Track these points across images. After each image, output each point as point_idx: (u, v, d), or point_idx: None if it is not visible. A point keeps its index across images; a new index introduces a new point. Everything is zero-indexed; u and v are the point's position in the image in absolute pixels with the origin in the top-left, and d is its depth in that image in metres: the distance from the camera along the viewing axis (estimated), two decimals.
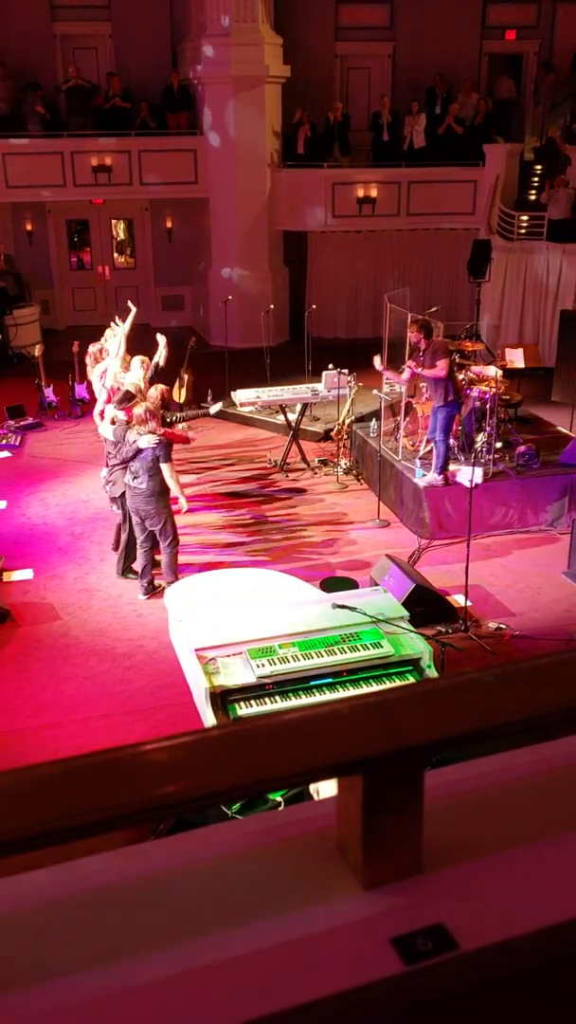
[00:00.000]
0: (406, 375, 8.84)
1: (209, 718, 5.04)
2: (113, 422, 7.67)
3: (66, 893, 0.93)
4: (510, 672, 1.03)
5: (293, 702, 5.01)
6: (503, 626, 7.30)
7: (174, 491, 7.41)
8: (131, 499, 7.42)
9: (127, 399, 7.63)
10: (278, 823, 1.04)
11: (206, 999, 0.81)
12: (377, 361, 8.92)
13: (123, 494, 7.66)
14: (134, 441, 7.22)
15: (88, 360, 9.51)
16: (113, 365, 8.58)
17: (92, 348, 9.50)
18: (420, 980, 0.84)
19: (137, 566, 7.86)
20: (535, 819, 1.01)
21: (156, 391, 7.68)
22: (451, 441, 9.38)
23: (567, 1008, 0.94)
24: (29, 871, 0.96)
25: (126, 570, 8.04)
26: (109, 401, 8.27)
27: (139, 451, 7.21)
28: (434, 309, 10.25)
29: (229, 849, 0.99)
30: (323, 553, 8.66)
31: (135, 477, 7.29)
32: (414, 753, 0.94)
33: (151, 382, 8.29)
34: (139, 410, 7.28)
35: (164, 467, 7.23)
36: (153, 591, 7.71)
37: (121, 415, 7.59)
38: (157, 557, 7.80)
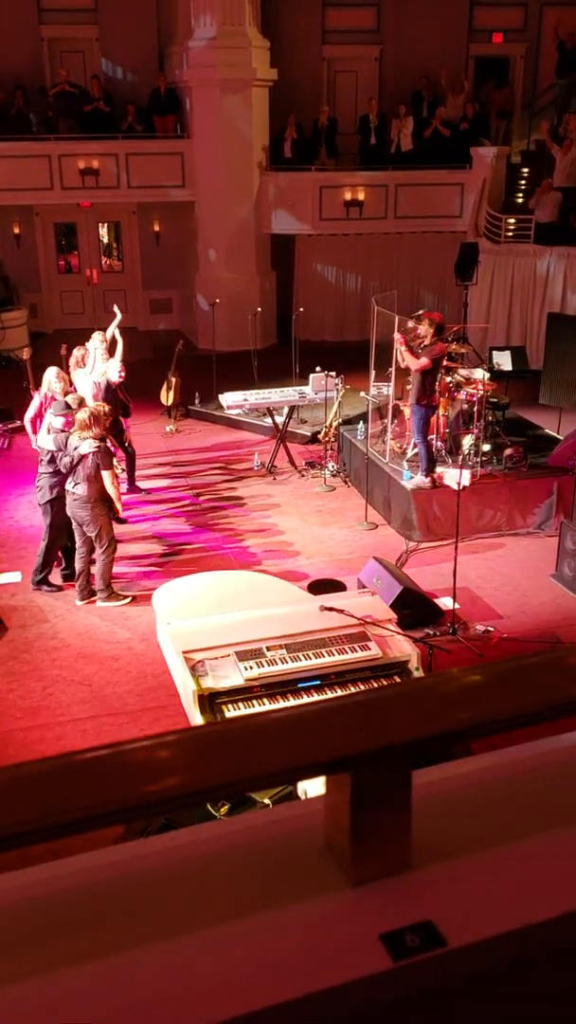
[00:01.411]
0: (421, 362, 8.66)
1: (197, 720, 5.03)
2: (49, 431, 7.55)
3: (55, 890, 0.94)
4: (493, 672, 1.04)
5: (281, 704, 5.01)
6: (491, 629, 7.32)
7: (113, 497, 7.35)
8: (69, 505, 7.37)
9: (69, 407, 7.57)
10: (265, 822, 1.05)
11: (193, 995, 0.82)
12: (397, 337, 8.85)
13: (49, 502, 7.59)
14: (76, 447, 7.16)
15: (72, 364, 9.51)
16: (51, 373, 8.44)
17: (77, 352, 9.52)
18: (408, 976, 0.85)
19: (78, 568, 7.71)
20: (523, 817, 1.02)
21: (100, 409, 7.56)
22: (439, 443, 9.41)
23: (553, 1004, 0.95)
24: (20, 869, 0.96)
25: (42, 581, 7.86)
26: (41, 408, 8.12)
27: (82, 457, 7.15)
28: (420, 312, 10.26)
29: (216, 847, 1.00)
30: (310, 556, 8.66)
31: (75, 483, 7.25)
32: (402, 751, 0.95)
33: (110, 350, 8.60)
34: (82, 415, 7.24)
35: (105, 474, 7.19)
36: (91, 596, 7.67)
37: (58, 423, 7.50)
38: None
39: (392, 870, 0.94)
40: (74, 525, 7.51)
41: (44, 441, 7.65)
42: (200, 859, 0.97)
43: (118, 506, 7.55)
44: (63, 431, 7.41)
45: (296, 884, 0.94)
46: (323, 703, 0.99)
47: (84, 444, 7.15)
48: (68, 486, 7.33)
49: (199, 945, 0.86)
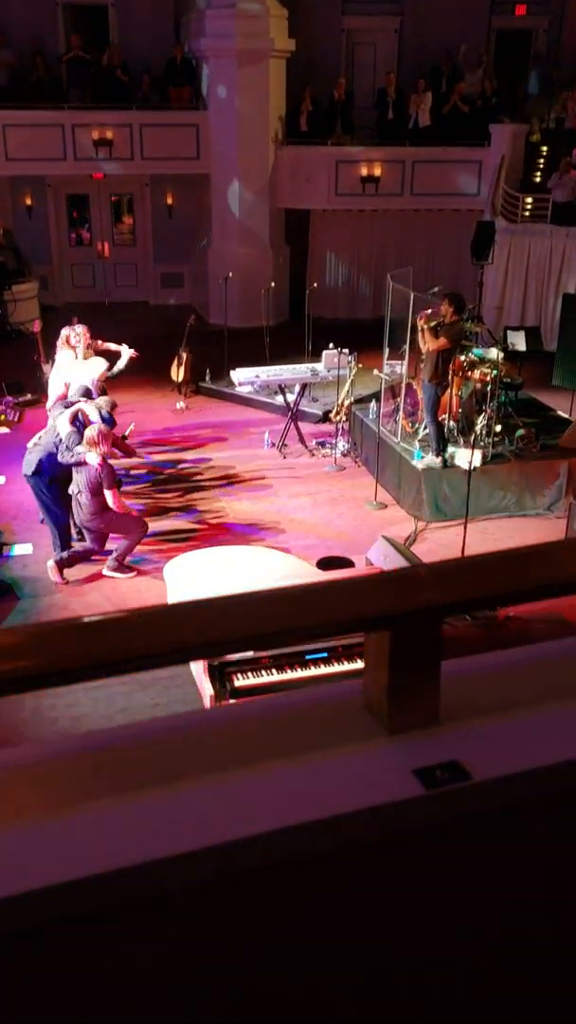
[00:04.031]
0: (439, 342, 8.64)
1: (207, 689, 5.08)
2: (72, 420, 7.41)
3: (148, 736, 1.15)
4: (505, 556, 1.25)
5: (288, 675, 5.06)
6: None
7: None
8: (76, 511, 7.48)
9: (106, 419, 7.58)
10: (310, 691, 1.26)
11: (252, 810, 1.00)
12: (420, 316, 8.81)
13: (34, 476, 7.53)
14: (82, 452, 7.17)
15: (60, 343, 8.94)
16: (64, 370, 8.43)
17: (65, 331, 8.91)
18: (439, 802, 1.02)
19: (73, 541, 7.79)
20: (535, 692, 1.20)
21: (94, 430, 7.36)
22: (451, 423, 9.37)
23: (562, 834, 1.12)
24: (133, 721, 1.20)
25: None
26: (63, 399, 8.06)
27: (83, 463, 7.16)
28: (436, 290, 10.18)
29: (269, 706, 1.20)
30: (319, 533, 8.67)
31: (79, 491, 7.30)
32: (434, 613, 1.12)
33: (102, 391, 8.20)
34: (91, 432, 7.17)
35: (108, 494, 7.23)
36: (62, 571, 7.58)
37: (68, 414, 7.45)
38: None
39: (424, 723, 1.12)
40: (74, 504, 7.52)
41: (62, 424, 7.42)
42: (254, 718, 1.16)
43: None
44: (77, 433, 7.31)
45: (340, 734, 1.11)
46: (365, 575, 1.24)
47: (90, 455, 7.15)
48: (72, 490, 7.38)
49: (254, 777, 1.04)
